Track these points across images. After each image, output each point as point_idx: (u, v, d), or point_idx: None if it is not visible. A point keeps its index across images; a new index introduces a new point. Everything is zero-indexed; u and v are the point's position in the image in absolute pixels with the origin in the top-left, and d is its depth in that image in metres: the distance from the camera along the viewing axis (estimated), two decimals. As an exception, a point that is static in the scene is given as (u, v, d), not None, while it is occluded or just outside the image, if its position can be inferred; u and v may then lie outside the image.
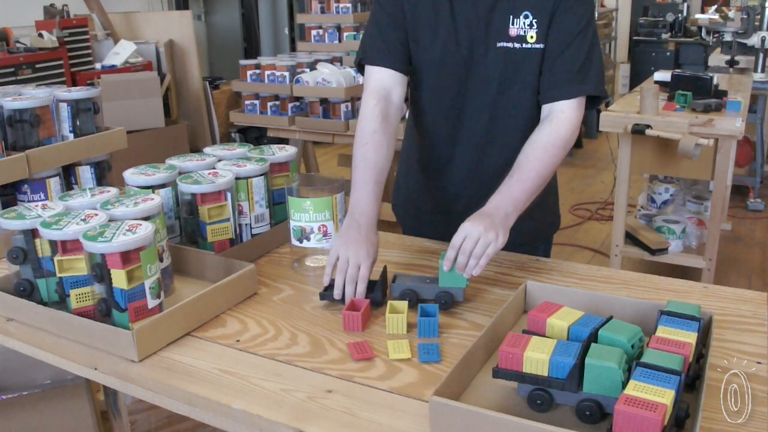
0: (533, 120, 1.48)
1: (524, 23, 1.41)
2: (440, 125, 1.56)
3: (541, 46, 1.42)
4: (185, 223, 1.49)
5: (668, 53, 7.32)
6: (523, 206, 1.35)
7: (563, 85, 1.41)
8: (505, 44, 1.43)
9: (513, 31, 1.42)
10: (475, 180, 1.56)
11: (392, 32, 1.49)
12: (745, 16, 4.52)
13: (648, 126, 2.89)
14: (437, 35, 1.47)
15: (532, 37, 1.41)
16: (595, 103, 1.48)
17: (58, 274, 1.24)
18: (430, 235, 1.63)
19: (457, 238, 1.26)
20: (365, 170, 1.40)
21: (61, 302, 1.28)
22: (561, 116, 1.41)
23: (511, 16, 1.41)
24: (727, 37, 4.67)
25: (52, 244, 1.24)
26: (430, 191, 1.64)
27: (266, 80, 3.82)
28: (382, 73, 1.50)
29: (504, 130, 1.51)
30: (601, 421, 0.94)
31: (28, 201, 1.61)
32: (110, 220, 1.24)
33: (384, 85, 1.49)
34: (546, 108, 1.44)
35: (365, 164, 1.40)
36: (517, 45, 1.42)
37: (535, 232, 1.64)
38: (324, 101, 3.64)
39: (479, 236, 1.24)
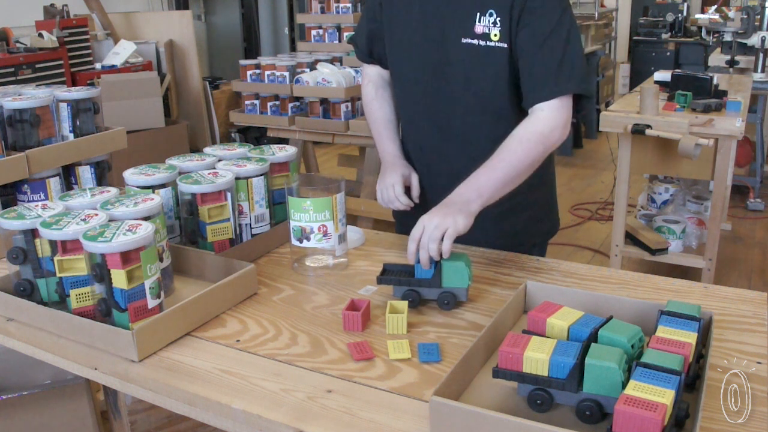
0: (505, 117, 1.49)
1: (489, 21, 1.41)
2: (418, 118, 1.60)
3: (504, 45, 1.42)
4: (185, 223, 1.49)
5: (668, 53, 7.34)
6: (491, 194, 1.35)
7: (540, 87, 1.41)
8: (470, 41, 1.44)
9: (479, 28, 1.42)
10: (458, 175, 1.57)
11: (373, 29, 1.62)
12: (745, 16, 4.53)
13: (648, 126, 2.89)
14: (407, 29, 1.51)
15: (495, 35, 1.41)
16: (581, 102, 1.47)
17: (58, 274, 1.24)
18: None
19: (415, 231, 1.28)
20: (376, 125, 1.69)
21: (61, 302, 1.28)
22: (539, 114, 1.41)
23: (478, 14, 1.42)
24: (727, 37, 4.67)
25: (52, 244, 1.24)
26: (421, 183, 1.65)
27: (266, 80, 3.82)
28: (371, 67, 1.72)
29: (475, 125, 1.52)
30: (601, 421, 0.94)
31: (28, 201, 1.61)
32: (110, 220, 1.24)
33: (373, 78, 1.72)
34: (529, 111, 1.44)
35: (375, 124, 1.69)
36: (481, 42, 1.43)
37: (527, 232, 1.64)
38: (324, 101, 3.64)
39: (436, 226, 1.26)
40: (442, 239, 1.26)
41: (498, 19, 1.40)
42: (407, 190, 1.60)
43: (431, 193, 1.64)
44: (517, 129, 1.40)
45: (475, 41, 1.43)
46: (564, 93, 1.40)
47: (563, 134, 1.42)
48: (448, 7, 1.45)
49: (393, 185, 1.57)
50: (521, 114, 1.48)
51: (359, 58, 1.74)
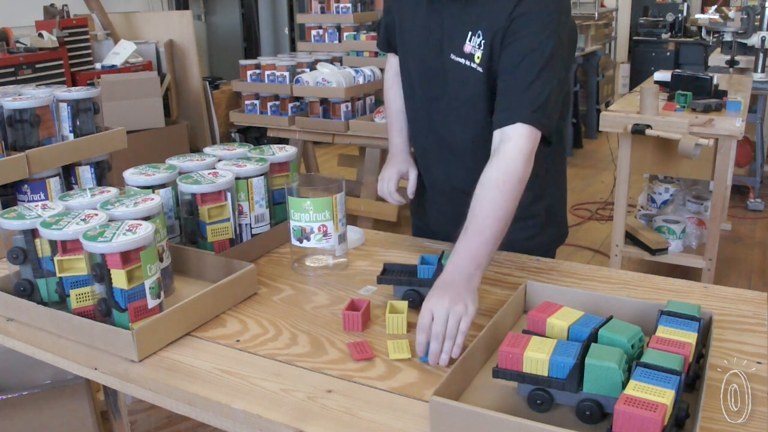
0: (487, 135, 1.41)
1: (476, 42, 1.39)
2: (418, 120, 1.59)
3: (480, 69, 1.38)
4: (185, 223, 1.49)
5: (668, 53, 7.34)
6: (487, 259, 1.24)
7: (507, 108, 1.32)
8: (457, 59, 1.42)
9: (467, 47, 1.40)
10: (454, 181, 1.57)
11: (389, 21, 1.63)
12: (745, 16, 4.53)
13: (648, 126, 2.89)
14: (413, 32, 1.51)
15: (477, 57, 1.39)
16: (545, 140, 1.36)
17: (58, 274, 1.24)
18: (431, 221, 1.67)
19: (423, 320, 1.14)
20: (389, 114, 1.72)
21: (61, 302, 1.28)
22: (509, 146, 1.30)
23: (470, 33, 1.40)
24: (727, 37, 4.67)
25: (52, 244, 1.24)
26: (422, 181, 1.66)
27: (266, 80, 3.82)
28: (393, 56, 1.71)
29: (465, 138, 1.50)
30: (601, 421, 0.94)
31: (28, 201, 1.61)
32: (110, 220, 1.24)
33: (394, 65, 1.71)
34: (496, 135, 1.34)
35: (389, 113, 1.73)
36: (466, 62, 1.40)
37: (530, 243, 1.59)
38: (324, 101, 3.64)
39: (447, 313, 1.13)
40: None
41: (483, 41, 1.37)
42: (404, 188, 1.62)
43: (431, 192, 1.64)
44: (490, 173, 1.29)
45: (462, 60, 1.41)
46: (520, 120, 1.30)
47: (530, 166, 1.32)
48: (447, 21, 1.43)
49: (388, 180, 1.61)
50: None
51: (378, 47, 1.76)
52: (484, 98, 1.41)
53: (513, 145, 1.29)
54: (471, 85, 1.41)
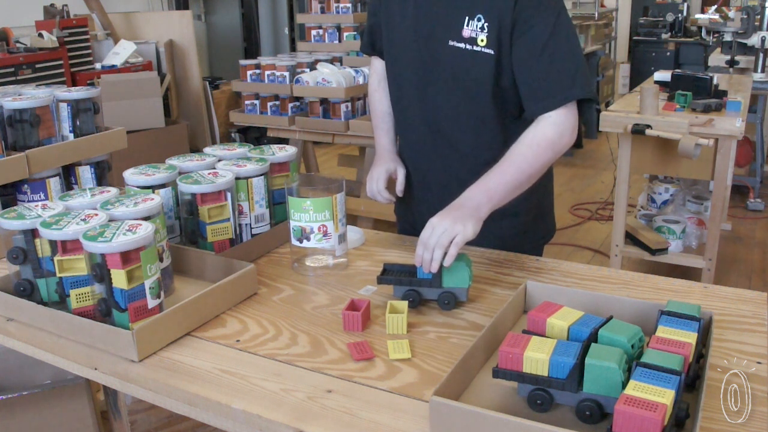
0: (490, 121, 1.49)
1: (477, 25, 1.40)
2: (409, 116, 1.60)
3: (492, 51, 1.40)
4: (185, 223, 1.49)
5: (668, 53, 7.35)
6: (500, 199, 1.34)
7: (543, 97, 1.39)
8: (456, 44, 1.43)
9: (466, 32, 1.41)
10: (448, 174, 1.58)
11: (373, 23, 1.65)
12: (745, 16, 4.53)
13: (648, 126, 2.89)
14: (401, 27, 1.52)
15: (482, 40, 1.40)
16: (584, 105, 1.43)
17: (58, 274, 1.24)
18: (418, 220, 1.66)
19: (424, 234, 1.27)
20: (375, 117, 1.76)
21: (61, 302, 1.28)
22: (547, 119, 1.39)
23: (467, 17, 1.41)
24: (727, 37, 4.67)
25: (52, 244, 1.24)
26: (412, 179, 1.67)
27: (266, 80, 3.82)
28: (377, 60, 1.74)
29: (462, 127, 1.52)
30: (601, 421, 0.94)
31: (28, 201, 1.61)
32: (110, 220, 1.24)
33: (378, 69, 1.75)
34: (536, 118, 1.43)
35: (374, 115, 1.77)
36: (468, 46, 1.42)
37: (517, 239, 1.61)
38: (324, 101, 3.64)
39: (444, 230, 1.25)
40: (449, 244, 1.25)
41: (486, 24, 1.39)
42: (393, 184, 1.64)
43: (422, 190, 1.65)
44: (526, 134, 1.39)
45: (462, 45, 1.42)
46: (568, 100, 1.38)
47: (572, 139, 1.41)
48: (439, 9, 1.44)
49: (377, 179, 1.62)
50: (505, 119, 1.49)
51: (361, 50, 1.78)
52: (490, 82, 1.43)
53: (551, 120, 1.39)
54: (477, 68, 1.43)
